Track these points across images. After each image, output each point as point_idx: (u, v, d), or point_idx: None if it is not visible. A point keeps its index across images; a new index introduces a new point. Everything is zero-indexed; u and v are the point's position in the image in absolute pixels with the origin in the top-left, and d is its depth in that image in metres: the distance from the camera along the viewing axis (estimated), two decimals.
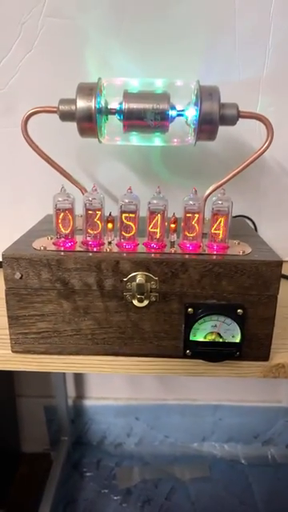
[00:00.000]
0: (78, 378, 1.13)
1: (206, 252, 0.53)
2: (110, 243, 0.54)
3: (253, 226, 0.80)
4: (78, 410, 1.15)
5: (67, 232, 0.54)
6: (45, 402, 1.13)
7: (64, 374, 1.09)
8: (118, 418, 1.15)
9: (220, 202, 0.54)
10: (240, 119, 0.58)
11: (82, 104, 0.56)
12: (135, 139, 0.62)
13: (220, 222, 0.54)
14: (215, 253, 0.53)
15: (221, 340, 0.52)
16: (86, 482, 1.09)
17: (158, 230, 0.54)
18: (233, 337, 0.52)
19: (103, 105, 0.58)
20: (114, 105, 0.58)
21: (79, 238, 0.55)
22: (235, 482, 1.10)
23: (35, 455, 1.18)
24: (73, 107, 0.56)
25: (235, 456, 1.16)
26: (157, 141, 0.62)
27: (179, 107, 0.58)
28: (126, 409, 1.14)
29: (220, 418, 1.14)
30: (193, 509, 1.02)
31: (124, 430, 1.17)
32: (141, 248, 0.54)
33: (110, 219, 0.54)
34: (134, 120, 0.57)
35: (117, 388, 1.13)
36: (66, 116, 0.58)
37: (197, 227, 0.54)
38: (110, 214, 0.55)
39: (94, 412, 1.15)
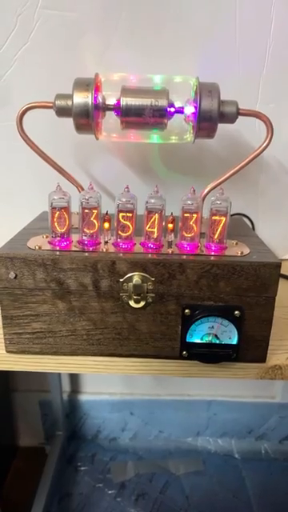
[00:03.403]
0: (73, 373, 1.13)
1: (204, 253, 0.53)
2: (106, 243, 0.53)
3: (250, 225, 0.79)
4: (73, 405, 1.16)
5: (63, 231, 0.53)
6: (40, 397, 1.13)
7: None
8: (113, 412, 1.15)
9: (218, 202, 0.53)
10: (240, 116, 0.57)
11: (78, 100, 0.55)
12: (133, 136, 0.61)
13: (218, 222, 0.53)
14: (213, 254, 0.52)
15: (217, 342, 0.51)
16: (81, 476, 1.09)
17: (156, 230, 0.53)
18: (230, 338, 0.51)
19: (100, 100, 0.57)
20: (111, 101, 0.57)
21: (75, 237, 0.54)
22: (229, 477, 1.11)
23: (30, 449, 1.18)
24: (69, 103, 0.55)
25: (229, 451, 1.17)
26: (155, 138, 0.61)
27: (178, 104, 0.57)
28: (121, 404, 1.14)
29: (214, 413, 1.15)
30: (187, 503, 1.03)
31: (119, 424, 1.17)
32: (138, 248, 0.53)
33: (106, 218, 0.53)
34: (131, 116, 0.56)
35: (112, 383, 1.13)
36: (62, 112, 0.56)
37: (195, 227, 0.53)
38: (106, 213, 0.54)
39: (89, 407, 1.15)
